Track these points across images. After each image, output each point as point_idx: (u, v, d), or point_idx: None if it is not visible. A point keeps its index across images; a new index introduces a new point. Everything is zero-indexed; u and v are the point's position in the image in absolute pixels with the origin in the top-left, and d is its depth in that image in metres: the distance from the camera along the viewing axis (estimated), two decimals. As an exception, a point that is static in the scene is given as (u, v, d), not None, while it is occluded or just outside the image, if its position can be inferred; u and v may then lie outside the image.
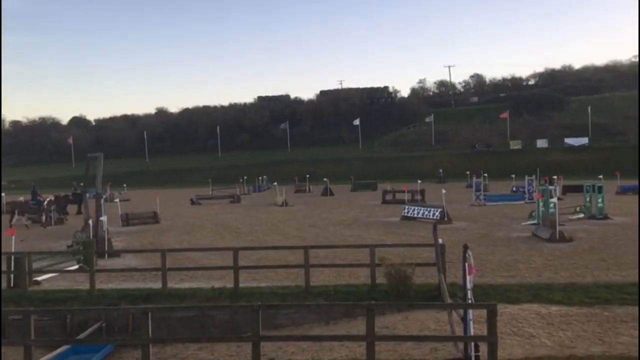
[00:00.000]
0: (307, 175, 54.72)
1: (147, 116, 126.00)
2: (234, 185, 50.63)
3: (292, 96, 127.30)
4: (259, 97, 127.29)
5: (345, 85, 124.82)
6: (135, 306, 10.26)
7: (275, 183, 42.90)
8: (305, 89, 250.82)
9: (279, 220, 26.41)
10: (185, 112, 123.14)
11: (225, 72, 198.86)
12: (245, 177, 59.02)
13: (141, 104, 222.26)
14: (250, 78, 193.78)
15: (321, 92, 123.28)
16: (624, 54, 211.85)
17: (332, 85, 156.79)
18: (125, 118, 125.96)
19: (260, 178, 63.29)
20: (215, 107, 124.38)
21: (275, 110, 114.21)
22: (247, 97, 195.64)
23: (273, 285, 12.13)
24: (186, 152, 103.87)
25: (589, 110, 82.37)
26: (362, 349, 7.52)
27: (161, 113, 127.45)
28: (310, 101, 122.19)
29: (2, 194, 33.45)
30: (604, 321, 8.68)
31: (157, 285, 11.99)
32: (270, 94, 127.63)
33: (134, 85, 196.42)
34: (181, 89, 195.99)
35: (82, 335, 10.31)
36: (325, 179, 47.64)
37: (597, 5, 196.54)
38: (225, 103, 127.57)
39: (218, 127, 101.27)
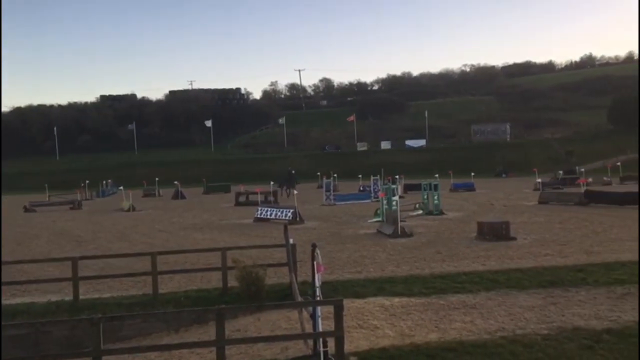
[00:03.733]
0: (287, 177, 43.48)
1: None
2: (75, 191, 47.00)
3: (139, 96, 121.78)
4: (102, 97, 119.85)
5: (196, 85, 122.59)
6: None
7: (121, 187, 40.65)
8: (153, 89, 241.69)
9: (125, 227, 25.07)
10: (17, 111, 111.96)
11: (63, 69, 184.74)
12: (88, 182, 54.92)
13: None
14: (91, 76, 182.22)
15: (170, 92, 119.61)
16: (455, 63, 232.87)
17: (182, 85, 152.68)
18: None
19: (104, 182, 59.51)
20: (51, 107, 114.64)
21: (120, 111, 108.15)
22: (88, 96, 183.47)
23: (118, 296, 11.45)
24: (19, 156, 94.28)
25: (426, 114, 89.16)
26: (213, 354, 7.35)
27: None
28: (158, 101, 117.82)
29: None
30: (440, 309, 9.39)
31: (-18, 303, 10.71)
32: (115, 93, 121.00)
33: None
34: (12, 87, 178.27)
35: None
36: (175, 182, 46.20)
37: (433, 17, 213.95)
38: (64, 102, 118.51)
39: (55, 128, 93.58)
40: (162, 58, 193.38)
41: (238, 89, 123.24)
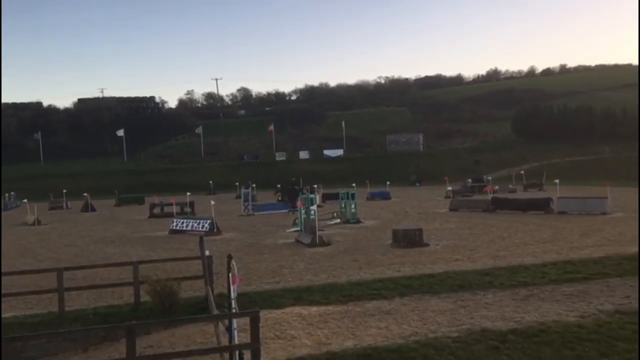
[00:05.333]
0: (287, 186, 40.97)
1: None
2: (-27, 205, 43.76)
3: (45, 104, 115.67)
4: (4, 104, 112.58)
5: (108, 93, 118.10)
6: None
7: (25, 200, 38.24)
8: (61, 97, 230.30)
9: (29, 242, 23.60)
10: None
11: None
12: (-13, 195, 51.26)
13: None
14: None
15: (80, 100, 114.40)
16: (370, 75, 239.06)
17: (92, 93, 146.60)
18: None
19: (6, 195, 55.75)
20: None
21: (24, 119, 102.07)
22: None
23: (21, 315, 10.75)
24: None
25: (343, 125, 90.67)
26: (124, 373, 7.04)
27: None
28: (67, 110, 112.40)
29: None
30: (356, 316, 9.53)
31: None
32: (18, 100, 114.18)
33: None
34: None
35: None
36: (85, 194, 44.08)
37: (349, 29, 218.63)
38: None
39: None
40: (70, 64, 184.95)
41: (152, 98, 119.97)
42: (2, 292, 12.35)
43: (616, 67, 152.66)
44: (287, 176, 54.70)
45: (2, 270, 15.63)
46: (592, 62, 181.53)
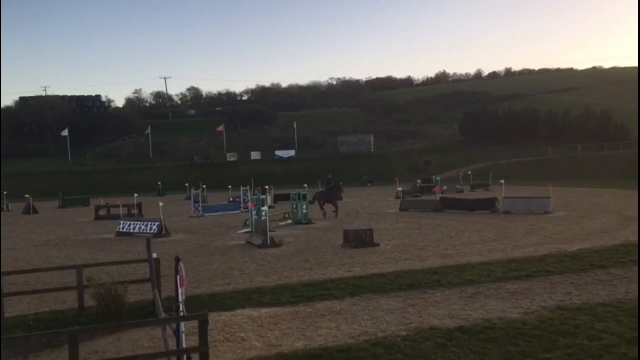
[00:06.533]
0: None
1: None
2: None
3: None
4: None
5: (51, 92, 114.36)
6: None
7: (-39, 202, 36.54)
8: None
9: (-34, 246, 22.50)
10: None
11: None
12: None
13: None
14: None
15: (21, 98, 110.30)
16: (322, 76, 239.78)
17: (34, 91, 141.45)
18: None
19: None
20: None
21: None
22: None
23: (-45, 324, 10.22)
24: None
25: (295, 126, 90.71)
26: (66, 381, 6.80)
27: None
28: (7, 109, 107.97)
29: None
30: (307, 317, 9.51)
31: None
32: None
33: None
34: None
35: None
36: (27, 195, 42.43)
37: (300, 30, 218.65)
38: None
39: None
40: (11, 61, 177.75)
41: (98, 97, 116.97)
42: None
43: (558, 71, 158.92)
44: (238, 178, 54.22)
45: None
46: (535, 66, 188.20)
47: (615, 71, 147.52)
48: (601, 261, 13.36)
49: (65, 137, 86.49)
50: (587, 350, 7.26)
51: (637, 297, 9.93)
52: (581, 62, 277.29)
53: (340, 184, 30.93)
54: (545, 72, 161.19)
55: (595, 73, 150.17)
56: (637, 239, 16.78)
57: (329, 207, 28.16)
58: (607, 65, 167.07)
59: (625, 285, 10.94)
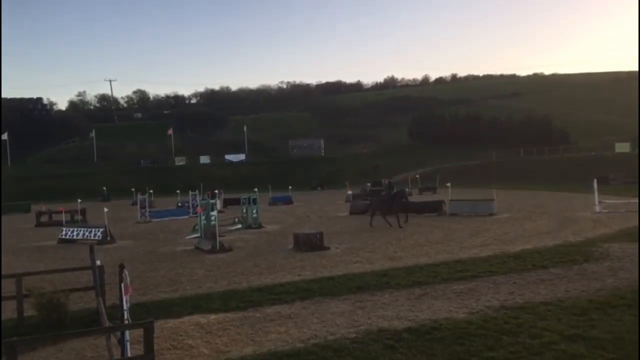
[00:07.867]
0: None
1: None
2: None
3: None
4: None
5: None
6: None
7: None
8: None
9: None
10: None
11: None
12: None
13: None
14: None
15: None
16: (272, 80, 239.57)
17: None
18: None
19: None
20: None
21: None
22: None
23: None
24: None
25: (245, 129, 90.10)
26: (3, 395, 6.50)
27: None
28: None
29: None
30: (256, 322, 9.43)
31: None
32: None
33: None
34: None
35: None
36: (-38, 202, 40.51)
37: (249, 33, 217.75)
38: None
39: None
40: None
41: (39, 99, 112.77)
42: None
43: (502, 77, 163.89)
44: (186, 182, 53.31)
45: None
46: (480, 72, 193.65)
47: (555, 77, 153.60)
48: (542, 261, 13.84)
49: (4, 140, 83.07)
50: (529, 348, 7.49)
51: (575, 295, 10.34)
52: (523, 68, 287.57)
53: (407, 190, 25.29)
54: (489, 77, 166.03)
55: (536, 79, 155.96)
56: (576, 239, 17.51)
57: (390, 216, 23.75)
58: (547, 71, 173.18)
59: (565, 284, 11.36)
